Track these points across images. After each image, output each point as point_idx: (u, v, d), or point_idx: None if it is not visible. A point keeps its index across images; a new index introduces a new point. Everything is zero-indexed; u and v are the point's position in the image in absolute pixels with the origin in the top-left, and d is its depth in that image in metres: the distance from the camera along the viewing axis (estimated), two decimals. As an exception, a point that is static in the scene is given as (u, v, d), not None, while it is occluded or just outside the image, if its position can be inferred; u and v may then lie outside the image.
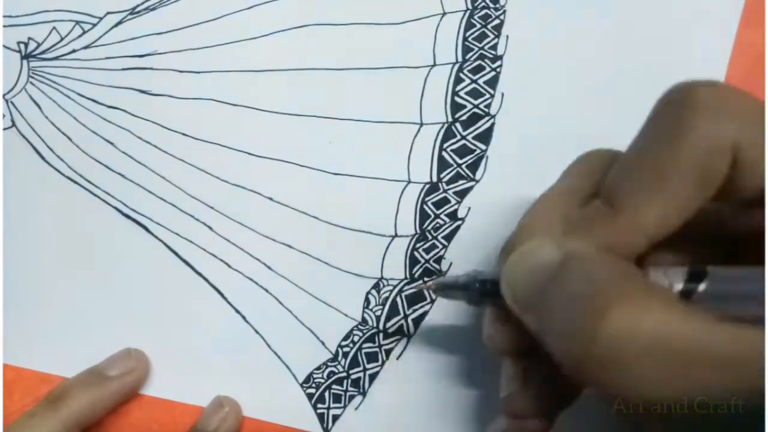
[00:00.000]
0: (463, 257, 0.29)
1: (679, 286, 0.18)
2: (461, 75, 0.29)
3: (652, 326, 0.15)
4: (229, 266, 0.30)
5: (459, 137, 0.29)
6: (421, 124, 0.29)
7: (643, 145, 0.18)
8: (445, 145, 0.29)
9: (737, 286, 0.17)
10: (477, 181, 0.29)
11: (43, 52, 0.32)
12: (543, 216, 0.20)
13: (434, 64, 0.29)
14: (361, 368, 0.29)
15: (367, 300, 0.29)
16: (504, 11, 0.29)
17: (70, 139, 0.31)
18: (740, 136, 0.17)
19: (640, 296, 0.16)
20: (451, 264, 0.29)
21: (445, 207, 0.29)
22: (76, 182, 0.31)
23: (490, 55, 0.29)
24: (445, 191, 0.29)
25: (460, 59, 0.29)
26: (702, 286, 0.17)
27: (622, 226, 0.18)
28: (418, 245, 0.29)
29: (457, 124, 0.29)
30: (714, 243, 0.19)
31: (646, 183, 0.18)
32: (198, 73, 0.31)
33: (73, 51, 0.31)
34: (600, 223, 0.18)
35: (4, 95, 0.32)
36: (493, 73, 0.29)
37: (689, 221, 0.18)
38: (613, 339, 0.15)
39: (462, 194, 0.29)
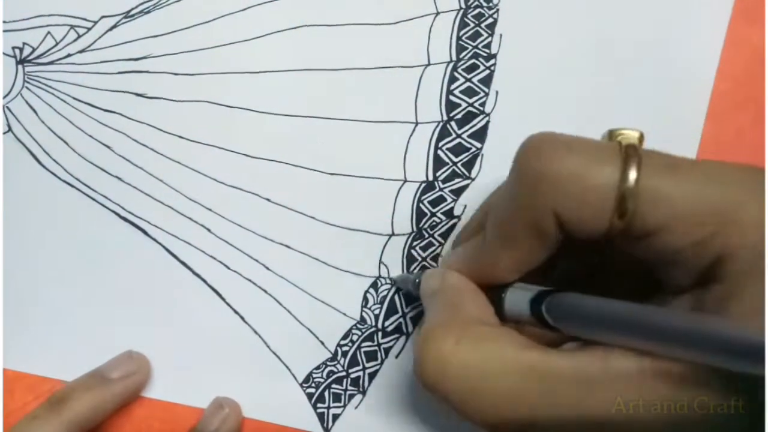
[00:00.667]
0: (460, 255, 0.29)
1: (526, 305, 0.20)
2: (455, 74, 0.29)
3: (458, 358, 0.19)
4: (228, 267, 0.30)
5: (454, 136, 0.29)
6: (416, 123, 0.30)
7: (500, 200, 0.21)
8: (440, 144, 0.29)
9: (574, 310, 0.19)
10: (472, 179, 0.29)
11: (38, 57, 0.32)
12: (452, 253, 0.25)
13: (428, 64, 0.30)
14: (360, 367, 0.30)
15: (365, 299, 0.30)
16: (497, 10, 0.29)
17: (66, 144, 0.31)
18: (557, 204, 0.19)
19: (456, 326, 0.20)
20: (448, 262, 0.29)
21: (442, 205, 0.29)
22: (73, 186, 0.31)
23: (484, 54, 0.29)
24: (441, 190, 0.29)
25: (454, 58, 0.29)
26: (543, 306, 0.20)
27: (486, 265, 0.22)
28: (415, 243, 0.29)
29: (452, 123, 0.29)
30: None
31: (499, 237, 0.21)
32: (193, 75, 0.31)
33: (69, 55, 0.31)
34: (474, 258, 0.23)
35: None
36: (488, 71, 0.29)
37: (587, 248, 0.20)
38: (428, 368, 0.19)
39: (458, 192, 0.29)
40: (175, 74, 0.31)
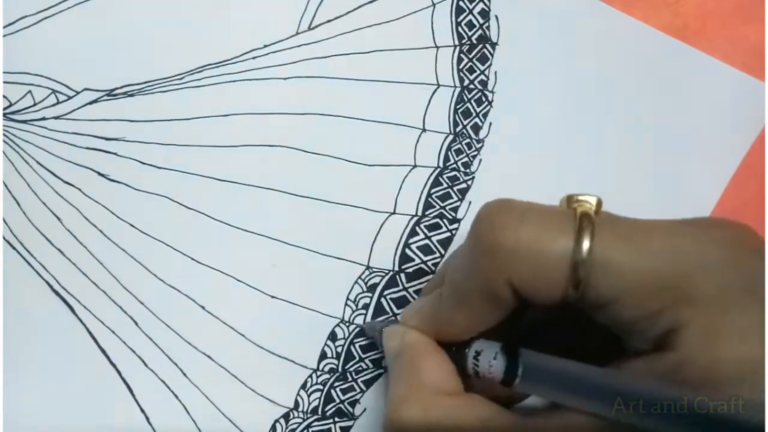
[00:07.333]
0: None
1: (499, 368, 0.20)
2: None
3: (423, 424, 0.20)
4: (145, 364, 0.30)
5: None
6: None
7: (457, 261, 0.22)
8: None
9: (540, 373, 0.20)
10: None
11: (12, 113, 0.32)
12: (412, 306, 0.25)
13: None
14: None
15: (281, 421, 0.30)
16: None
17: (18, 204, 0.31)
18: (511, 274, 0.19)
19: (420, 399, 0.21)
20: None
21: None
22: (13, 247, 0.31)
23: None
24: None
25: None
26: (519, 371, 0.20)
27: (442, 324, 0.23)
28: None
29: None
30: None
31: (454, 298, 0.22)
32: (159, 168, 0.31)
33: (43, 119, 0.32)
34: (430, 315, 0.23)
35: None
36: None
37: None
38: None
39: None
40: (142, 163, 0.31)
